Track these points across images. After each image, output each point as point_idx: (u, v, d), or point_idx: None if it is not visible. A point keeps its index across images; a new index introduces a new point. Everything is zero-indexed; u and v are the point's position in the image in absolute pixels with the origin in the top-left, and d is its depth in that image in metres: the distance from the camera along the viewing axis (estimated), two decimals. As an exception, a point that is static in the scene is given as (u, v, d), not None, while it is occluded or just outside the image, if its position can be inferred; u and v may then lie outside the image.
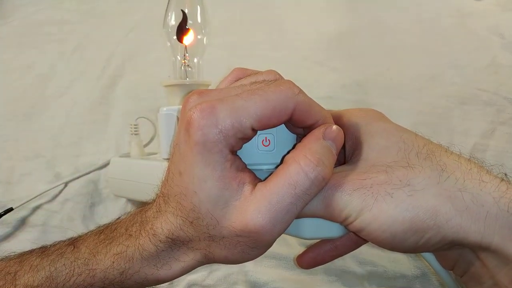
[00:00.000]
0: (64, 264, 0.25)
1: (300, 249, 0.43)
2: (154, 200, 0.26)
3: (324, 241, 0.29)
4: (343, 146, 0.26)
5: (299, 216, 0.23)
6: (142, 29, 0.60)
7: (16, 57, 0.58)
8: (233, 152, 0.23)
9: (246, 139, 0.23)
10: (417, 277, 0.41)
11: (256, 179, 0.24)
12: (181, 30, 0.36)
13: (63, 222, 0.46)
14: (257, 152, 0.27)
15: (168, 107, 0.32)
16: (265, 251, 0.24)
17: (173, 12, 0.37)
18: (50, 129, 0.51)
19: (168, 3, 0.37)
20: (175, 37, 0.36)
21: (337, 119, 0.27)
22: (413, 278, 0.41)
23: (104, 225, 0.28)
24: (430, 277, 0.41)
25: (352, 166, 0.24)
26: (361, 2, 0.61)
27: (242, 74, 0.26)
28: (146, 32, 0.60)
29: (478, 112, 0.48)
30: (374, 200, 0.22)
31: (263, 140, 0.28)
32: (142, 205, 0.27)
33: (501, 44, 0.52)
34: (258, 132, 0.25)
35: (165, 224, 0.24)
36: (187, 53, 0.36)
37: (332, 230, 0.26)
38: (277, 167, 0.27)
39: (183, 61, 0.36)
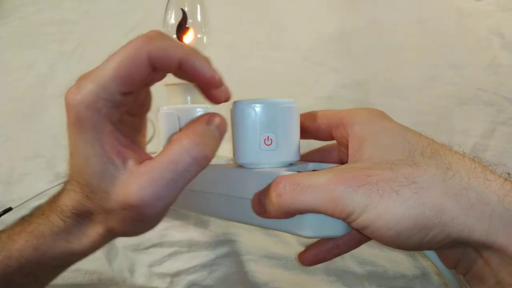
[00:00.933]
0: None
1: (300, 249, 0.43)
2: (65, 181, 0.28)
3: (326, 239, 0.29)
4: (346, 146, 0.27)
5: (302, 212, 0.24)
6: (142, 29, 0.60)
7: (16, 57, 0.58)
8: (114, 124, 0.24)
9: (122, 105, 0.24)
10: (417, 277, 0.41)
11: (145, 156, 0.25)
12: (181, 29, 0.36)
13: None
14: (259, 152, 0.28)
15: (169, 106, 0.31)
16: (155, 225, 0.26)
17: (173, 11, 0.37)
18: (50, 129, 0.51)
19: (168, 1, 0.38)
20: (175, 36, 0.36)
21: (341, 119, 0.28)
22: (413, 278, 0.41)
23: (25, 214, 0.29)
24: (430, 277, 0.41)
25: (357, 164, 0.25)
26: (361, 2, 0.61)
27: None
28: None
29: (478, 112, 0.48)
30: (380, 196, 0.22)
31: (265, 139, 0.28)
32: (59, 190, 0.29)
33: (501, 44, 0.52)
34: (260, 131, 0.28)
35: (69, 200, 0.25)
36: None
37: (334, 228, 0.26)
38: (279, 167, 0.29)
39: None
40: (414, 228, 0.21)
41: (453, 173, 0.22)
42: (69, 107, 0.23)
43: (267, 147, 0.28)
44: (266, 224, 0.28)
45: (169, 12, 0.37)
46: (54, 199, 0.27)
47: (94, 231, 0.26)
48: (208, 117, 0.25)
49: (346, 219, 0.23)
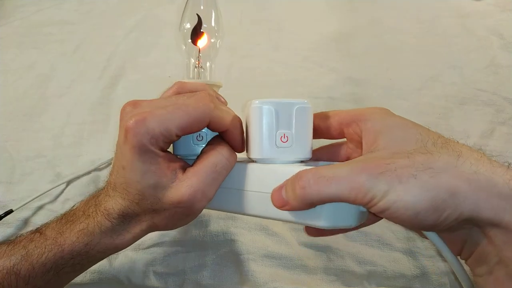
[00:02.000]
0: (35, 246, 0.31)
1: (300, 249, 0.43)
2: (103, 188, 0.32)
3: None
4: (357, 141, 0.31)
5: (325, 202, 0.26)
6: (142, 29, 0.61)
7: (17, 57, 0.58)
8: (164, 150, 0.30)
9: (173, 141, 0.30)
10: (416, 276, 0.41)
11: (186, 165, 0.31)
12: (196, 33, 0.38)
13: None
14: (275, 148, 0.31)
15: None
16: (196, 217, 0.31)
17: (189, 16, 0.38)
18: (51, 129, 0.51)
19: (184, 7, 0.39)
20: (189, 40, 0.38)
21: (353, 116, 0.31)
22: (413, 278, 0.41)
23: (61, 214, 0.33)
24: (430, 277, 0.42)
25: (374, 154, 0.27)
26: (361, 2, 0.61)
27: (181, 87, 0.33)
28: (146, 33, 0.60)
29: (477, 112, 0.48)
30: (399, 181, 0.24)
31: (281, 136, 0.31)
32: (94, 193, 0.33)
33: (500, 44, 0.52)
34: (277, 129, 0.31)
35: (116, 205, 0.30)
36: (200, 55, 0.39)
37: (348, 219, 0.28)
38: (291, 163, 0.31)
39: (197, 63, 0.38)
40: (430, 208, 0.23)
41: (464, 160, 0.24)
42: (132, 133, 0.28)
43: (283, 144, 0.31)
44: (282, 217, 0.30)
45: (185, 17, 0.39)
46: (96, 202, 0.31)
47: (137, 228, 0.31)
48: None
49: (367, 203, 0.25)
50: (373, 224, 0.44)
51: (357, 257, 0.43)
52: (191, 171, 0.30)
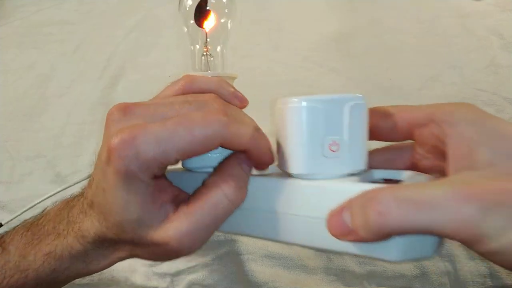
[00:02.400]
0: None
1: (299, 249, 0.43)
2: (78, 197, 0.27)
3: None
4: (432, 147, 0.24)
5: (410, 233, 0.20)
6: (142, 29, 0.61)
7: (17, 57, 0.58)
8: (157, 177, 0.24)
9: (170, 165, 0.23)
10: (416, 276, 0.41)
11: (179, 194, 0.25)
12: (201, 12, 0.30)
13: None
14: (323, 159, 0.24)
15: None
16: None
17: None
18: (51, 129, 0.51)
19: None
20: (192, 21, 0.30)
21: (430, 115, 0.24)
22: (413, 278, 0.41)
23: (30, 219, 0.29)
24: (430, 277, 0.42)
25: (479, 173, 0.21)
26: (361, 2, 0.61)
27: (190, 84, 0.26)
28: (146, 32, 0.60)
29: (477, 112, 0.48)
30: None
31: (330, 144, 0.24)
32: (68, 198, 0.28)
33: (501, 44, 0.52)
34: (324, 134, 0.23)
35: (92, 227, 0.25)
36: (208, 39, 0.31)
37: (424, 250, 0.22)
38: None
39: (204, 49, 0.30)
40: None
41: None
42: (116, 154, 0.22)
43: (333, 154, 0.24)
44: (336, 247, 0.23)
45: None
46: (69, 217, 0.26)
47: (115, 256, 0.26)
48: (241, 159, 0.25)
49: (473, 244, 0.19)
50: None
51: (357, 257, 0.43)
52: (184, 211, 0.24)
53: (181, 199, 0.25)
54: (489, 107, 0.48)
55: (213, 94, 0.25)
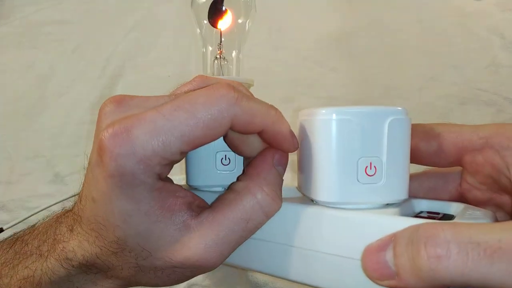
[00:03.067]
0: None
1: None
2: (68, 213, 0.23)
3: None
4: (487, 176, 0.21)
5: (469, 285, 0.15)
6: (142, 29, 0.60)
7: (16, 57, 0.58)
8: (162, 178, 0.19)
9: (175, 161, 0.19)
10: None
11: (195, 200, 0.21)
12: (215, 10, 0.27)
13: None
14: (356, 185, 0.20)
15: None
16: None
17: None
18: (50, 129, 0.51)
19: None
20: (206, 21, 0.27)
21: (485, 138, 0.20)
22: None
23: (19, 233, 0.25)
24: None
25: None
26: (361, 2, 0.61)
27: (203, 84, 0.22)
28: (146, 32, 0.60)
29: (478, 112, 0.48)
30: None
31: (366, 166, 0.20)
32: (61, 212, 0.24)
33: (501, 44, 0.52)
34: (359, 155, 0.20)
35: (79, 249, 0.20)
36: (222, 41, 0.27)
37: None
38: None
39: (218, 52, 0.27)
40: None
41: None
42: (108, 153, 0.18)
43: (369, 179, 0.20)
44: None
45: None
46: (55, 235, 0.22)
47: (108, 283, 0.22)
48: (276, 157, 0.21)
49: None
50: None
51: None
52: (208, 220, 0.19)
53: (199, 205, 0.21)
54: (490, 107, 0.48)
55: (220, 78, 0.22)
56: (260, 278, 0.42)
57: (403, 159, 0.20)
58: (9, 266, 0.22)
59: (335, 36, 0.57)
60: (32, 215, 0.45)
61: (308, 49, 0.56)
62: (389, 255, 0.17)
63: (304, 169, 0.22)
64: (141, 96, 0.20)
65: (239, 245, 0.20)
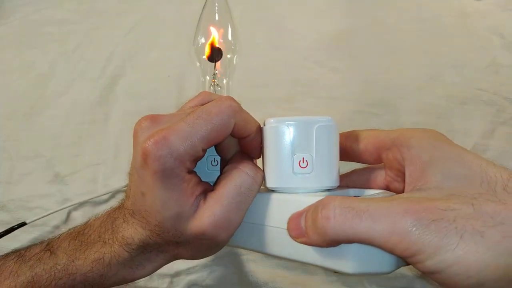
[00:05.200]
0: (43, 269, 0.27)
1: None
2: (119, 208, 0.29)
3: None
4: (397, 170, 0.26)
5: (351, 241, 0.21)
6: (142, 29, 0.61)
7: (16, 57, 0.58)
8: (190, 172, 0.26)
9: (200, 157, 0.26)
10: (417, 277, 0.41)
11: (208, 187, 0.27)
12: (211, 48, 0.36)
13: (63, 222, 0.46)
14: (293, 175, 0.26)
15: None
16: (225, 245, 0.27)
17: (203, 30, 0.36)
18: (50, 129, 0.51)
19: (198, 21, 0.37)
20: (204, 56, 0.36)
21: (393, 139, 0.25)
22: (414, 278, 0.41)
23: (75, 228, 0.30)
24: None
25: (424, 193, 0.21)
26: (361, 2, 0.61)
27: (208, 99, 0.28)
28: (146, 32, 0.60)
29: (478, 112, 0.48)
30: (459, 237, 0.18)
31: (299, 161, 0.26)
32: (110, 211, 0.30)
33: (501, 44, 0.52)
34: (294, 152, 0.26)
35: (135, 234, 0.27)
36: (216, 72, 0.36)
37: (381, 264, 0.23)
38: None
39: (212, 81, 0.36)
40: (502, 279, 0.18)
41: None
42: (152, 157, 0.24)
43: (301, 170, 0.26)
44: (299, 257, 0.25)
45: (199, 32, 0.36)
46: (113, 227, 0.28)
47: (160, 259, 0.28)
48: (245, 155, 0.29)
49: (409, 258, 0.19)
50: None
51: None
52: (213, 197, 0.26)
53: (209, 189, 0.27)
54: (490, 107, 0.48)
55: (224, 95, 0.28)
56: (260, 278, 0.42)
57: (330, 155, 0.27)
58: (79, 251, 0.28)
59: (335, 36, 0.57)
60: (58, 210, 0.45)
61: (308, 49, 0.56)
62: (302, 219, 0.23)
63: (264, 166, 0.28)
64: (168, 114, 0.27)
65: (244, 210, 0.26)
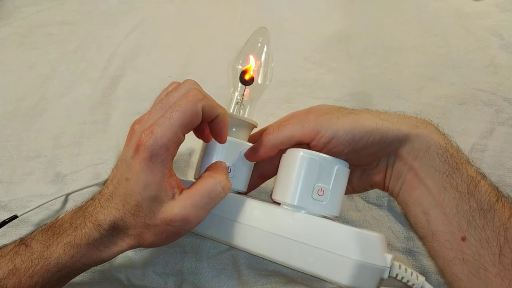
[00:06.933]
0: (22, 260, 0.31)
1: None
2: (91, 200, 0.33)
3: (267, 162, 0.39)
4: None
5: (285, 142, 0.35)
6: (142, 29, 0.61)
7: (17, 58, 0.58)
8: (173, 156, 0.31)
9: (180, 143, 0.31)
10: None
11: (181, 184, 0.33)
12: (245, 74, 0.40)
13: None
14: (310, 200, 0.33)
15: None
16: (182, 236, 0.33)
17: (244, 56, 0.41)
18: (51, 129, 0.51)
19: (243, 47, 0.42)
20: (237, 78, 0.40)
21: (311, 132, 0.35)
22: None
23: (46, 224, 0.34)
24: (430, 277, 0.42)
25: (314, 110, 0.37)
26: (360, 3, 0.61)
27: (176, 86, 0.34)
28: (146, 33, 0.60)
29: (477, 112, 0.48)
30: (337, 118, 0.34)
31: (318, 190, 0.33)
32: (79, 205, 0.34)
33: (500, 45, 0.52)
34: (316, 180, 0.33)
35: (108, 216, 0.31)
36: (244, 94, 0.41)
37: (369, 283, 0.30)
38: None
39: (240, 100, 0.41)
40: (363, 132, 0.33)
41: (374, 116, 0.34)
42: (143, 146, 0.30)
43: (319, 197, 0.33)
44: (303, 267, 0.31)
45: (240, 57, 0.41)
46: (84, 214, 0.32)
47: (125, 242, 0.32)
48: (222, 164, 0.36)
49: (316, 136, 0.33)
50: (374, 225, 0.44)
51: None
52: (186, 193, 0.31)
53: (183, 187, 0.33)
54: (489, 107, 0.48)
55: (188, 80, 0.34)
56: (259, 278, 0.42)
57: (341, 192, 0.34)
58: (52, 238, 0.32)
59: (334, 36, 0.57)
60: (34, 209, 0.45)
61: (308, 49, 0.56)
62: (255, 146, 0.37)
63: (279, 182, 0.35)
64: (147, 113, 0.32)
65: (208, 211, 0.32)
